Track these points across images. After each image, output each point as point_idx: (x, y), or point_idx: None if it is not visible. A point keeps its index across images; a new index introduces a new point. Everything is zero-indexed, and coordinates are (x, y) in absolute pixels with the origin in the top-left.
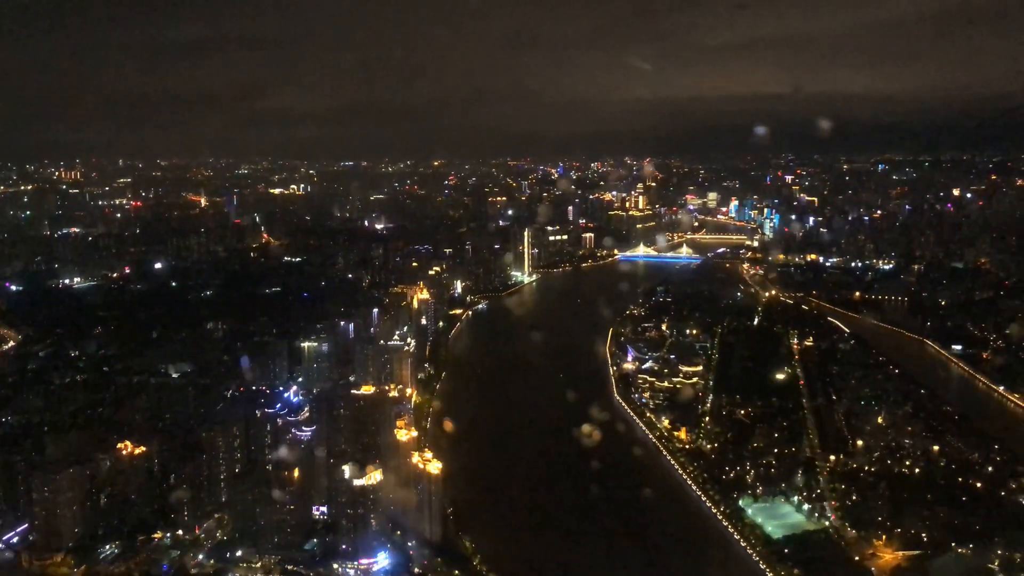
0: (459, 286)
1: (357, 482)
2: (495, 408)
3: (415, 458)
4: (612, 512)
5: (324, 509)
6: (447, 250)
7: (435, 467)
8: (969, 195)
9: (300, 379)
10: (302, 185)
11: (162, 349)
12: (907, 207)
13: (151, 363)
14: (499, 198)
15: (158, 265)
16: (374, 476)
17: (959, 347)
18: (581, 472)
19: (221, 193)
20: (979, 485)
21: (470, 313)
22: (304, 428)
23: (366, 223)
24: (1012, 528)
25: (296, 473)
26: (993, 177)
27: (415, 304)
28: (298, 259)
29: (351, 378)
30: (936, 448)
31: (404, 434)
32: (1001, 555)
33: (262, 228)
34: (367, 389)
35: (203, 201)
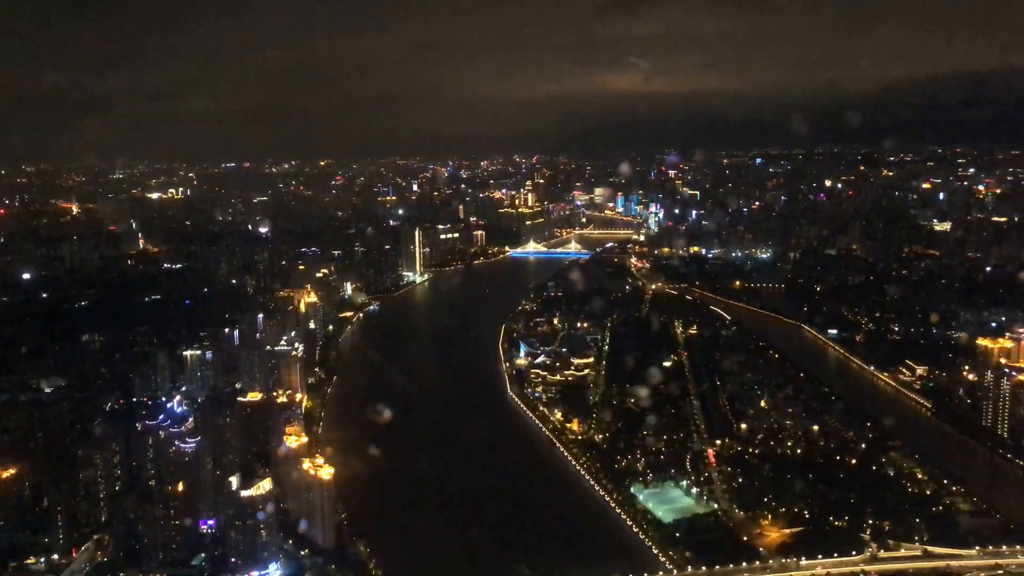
0: (349, 288)
1: (245, 492)
2: (388, 410)
3: (306, 464)
4: (507, 506)
5: (212, 522)
6: (335, 252)
7: (327, 473)
8: (840, 185)
9: (184, 389)
10: (181, 188)
11: (33, 364)
12: (783, 198)
13: (21, 379)
14: (389, 198)
15: (26, 276)
16: (263, 485)
17: (834, 331)
18: (476, 469)
19: (94, 199)
20: (854, 461)
21: (361, 315)
22: (189, 439)
23: (250, 226)
24: (884, 499)
25: (181, 487)
26: (861, 168)
27: (303, 308)
28: (179, 265)
29: (237, 385)
30: (815, 428)
31: (294, 440)
32: (872, 524)
33: (139, 234)
34: (254, 396)
35: (75, 208)
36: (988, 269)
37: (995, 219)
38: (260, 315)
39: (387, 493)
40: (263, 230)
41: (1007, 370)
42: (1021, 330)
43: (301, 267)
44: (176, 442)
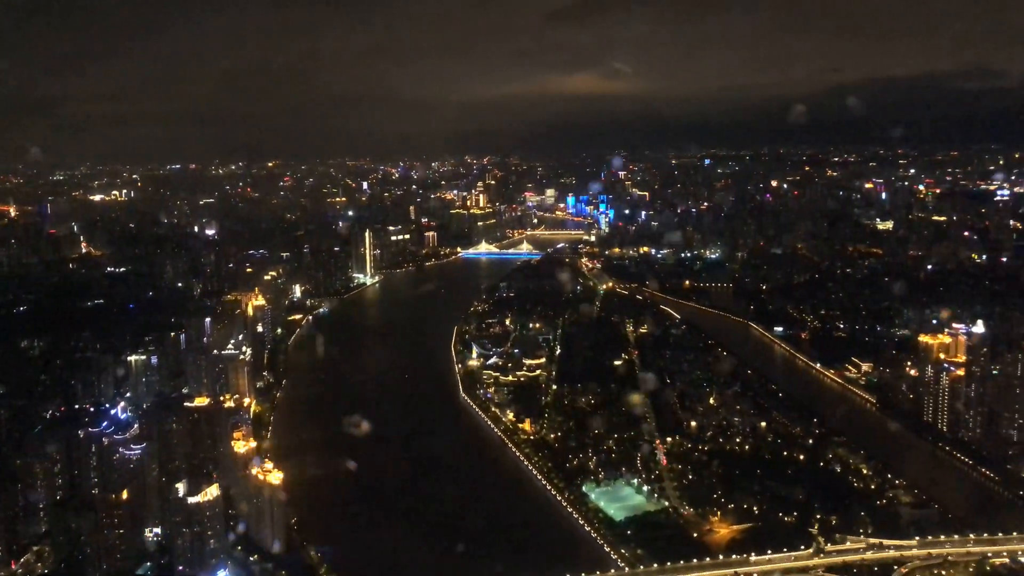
0: (298, 290)
1: (192, 499)
2: (339, 414)
3: (255, 469)
4: (459, 507)
5: (158, 530)
6: (284, 254)
7: (276, 477)
8: (785, 186)
9: (128, 395)
10: (125, 191)
11: None
12: (730, 199)
13: None
14: (338, 199)
15: None
16: (211, 492)
17: (780, 328)
18: (427, 471)
19: (33, 201)
20: (802, 457)
21: (310, 318)
22: (133, 446)
23: (196, 228)
24: (830, 494)
25: (125, 494)
26: (806, 168)
27: (251, 311)
28: (122, 269)
29: (184, 391)
30: (763, 424)
31: (242, 445)
32: (820, 519)
33: (81, 237)
34: (201, 401)
35: (12, 211)
36: (929, 267)
37: (935, 218)
38: (207, 319)
39: (337, 497)
40: (210, 232)
41: (946, 365)
42: (959, 326)
43: (249, 270)
44: (120, 449)
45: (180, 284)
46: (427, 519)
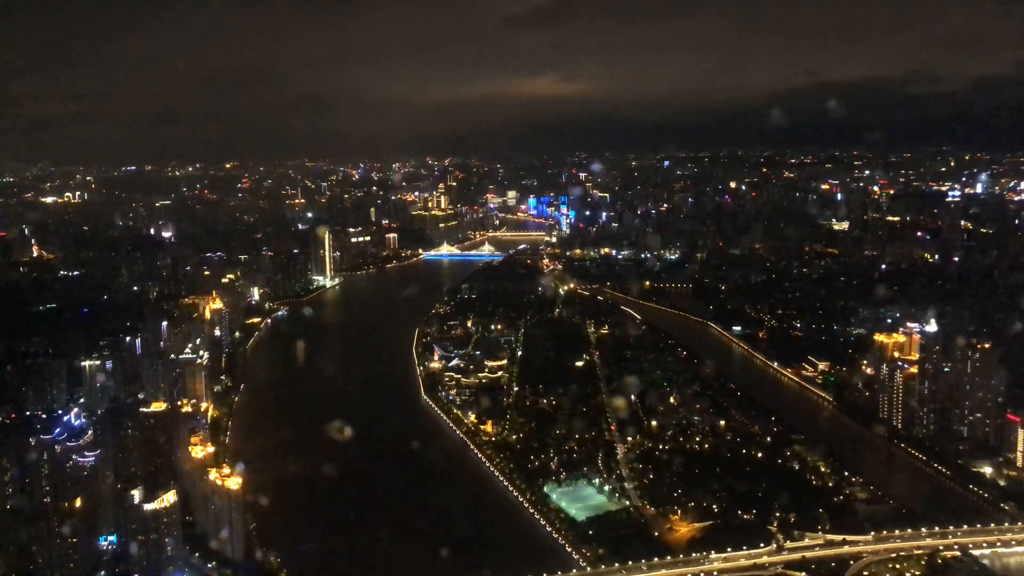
0: (256, 293)
1: (148, 506)
2: (298, 417)
3: (213, 475)
4: (420, 510)
5: (112, 538)
6: (242, 256)
7: (235, 482)
8: (743, 187)
9: (82, 401)
10: (79, 193)
11: None
12: (690, 200)
13: None
14: (297, 200)
15: None
16: (167, 498)
17: (739, 328)
18: (388, 473)
19: None
20: (760, 455)
21: (269, 321)
22: (87, 453)
23: (152, 231)
24: (789, 491)
25: (79, 502)
26: (764, 170)
27: (208, 314)
28: (76, 272)
29: (140, 396)
30: (722, 423)
31: (200, 451)
32: (779, 517)
33: (32, 240)
34: (158, 406)
35: None
36: (883, 267)
37: (889, 219)
38: (163, 323)
39: (296, 501)
40: (166, 235)
41: (900, 363)
42: (913, 325)
43: (206, 272)
44: (74, 456)
45: (136, 287)
46: (387, 522)
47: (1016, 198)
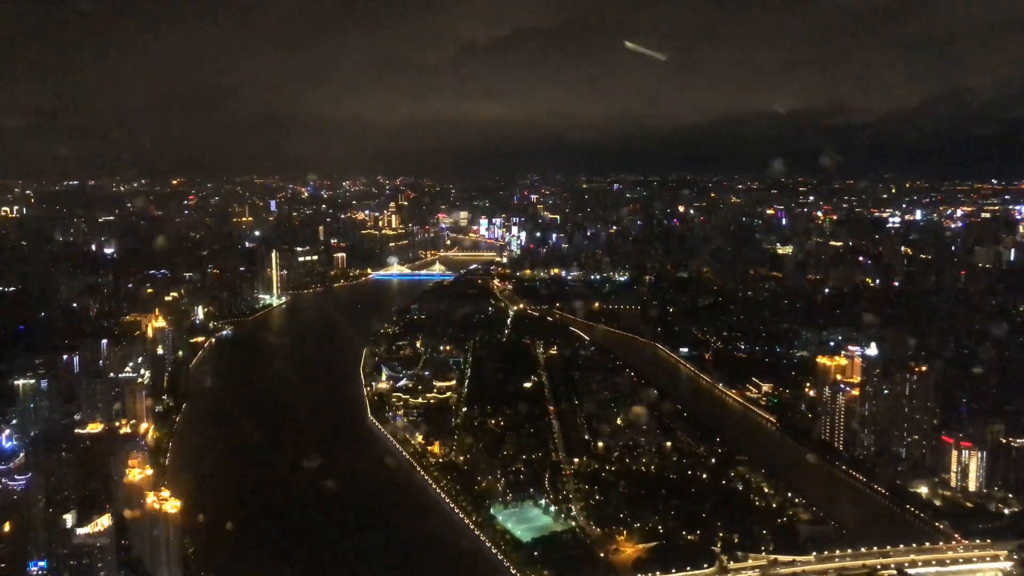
0: (201, 311)
1: (81, 530)
2: (242, 439)
3: (151, 498)
4: (365, 533)
5: (43, 563)
6: (187, 274)
7: (173, 506)
8: (692, 211)
9: (14, 422)
10: (16, 207)
11: None
12: (639, 223)
13: None
14: (245, 218)
15: None
16: (102, 522)
17: (685, 350)
18: (332, 496)
19: None
20: (705, 476)
21: (213, 340)
22: (18, 476)
23: (94, 247)
24: (733, 512)
25: (8, 527)
26: (712, 195)
27: (150, 333)
28: (12, 288)
29: (76, 416)
30: (668, 444)
31: (138, 473)
32: (723, 538)
33: None
34: (94, 427)
35: None
36: (826, 291)
37: (832, 243)
38: (103, 341)
39: (237, 525)
40: (109, 251)
41: (842, 386)
42: (854, 348)
43: (150, 290)
44: (3, 480)
45: (75, 304)
46: (330, 545)
47: (953, 225)
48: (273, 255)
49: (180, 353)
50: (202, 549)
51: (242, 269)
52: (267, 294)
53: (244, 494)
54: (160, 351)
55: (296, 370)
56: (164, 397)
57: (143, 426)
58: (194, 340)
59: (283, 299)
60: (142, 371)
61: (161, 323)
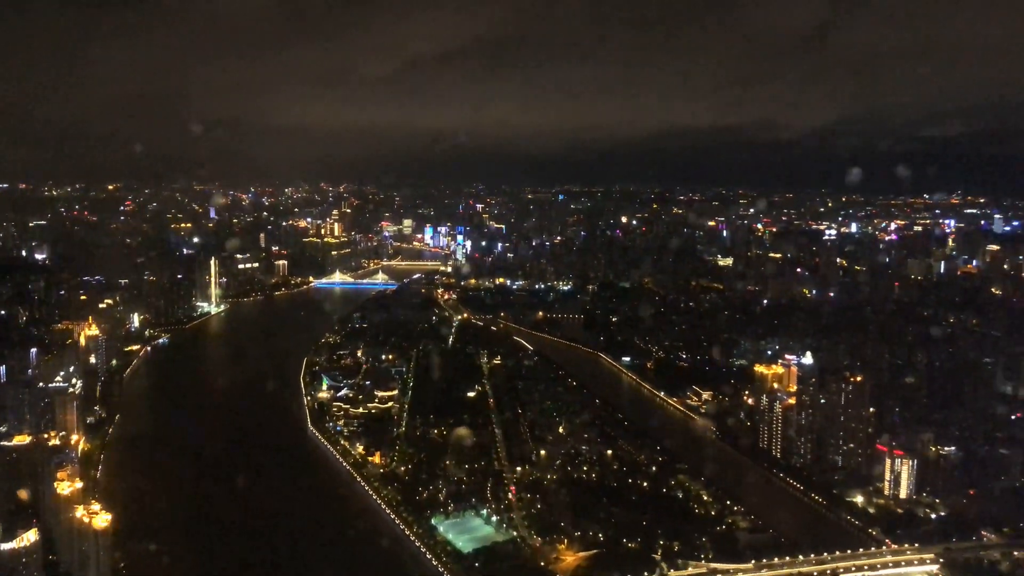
0: (136, 319)
1: (6, 545)
2: (177, 450)
3: (80, 512)
4: (302, 545)
5: None
6: (122, 281)
7: (103, 520)
8: (634, 222)
9: None
10: None
11: None
12: (583, 233)
13: None
14: (184, 224)
15: None
16: (28, 536)
17: (627, 359)
18: (269, 508)
19: None
20: (646, 484)
21: (149, 348)
22: None
23: (24, 252)
24: (673, 520)
25: None
26: (654, 206)
27: (83, 341)
28: None
29: (2, 428)
30: (610, 452)
31: (67, 486)
32: (663, 546)
33: None
34: (21, 439)
35: None
36: (765, 301)
37: (771, 255)
38: (33, 349)
39: (170, 539)
40: (40, 257)
41: (779, 394)
42: (791, 357)
43: (83, 297)
44: None
45: (3, 311)
46: (266, 559)
47: (887, 238)
48: (212, 262)
49: (114, 362)
50: (133, 563)
51: (180, 276)
52: (205, 302)
53: (177, 507)
54: (93, 360)
55: (234, 379)
56: (96, 408)
57: (73, 438)
58: (129, 349)
59: (222, 307)
60: (73, 381)
61: (94, 331)
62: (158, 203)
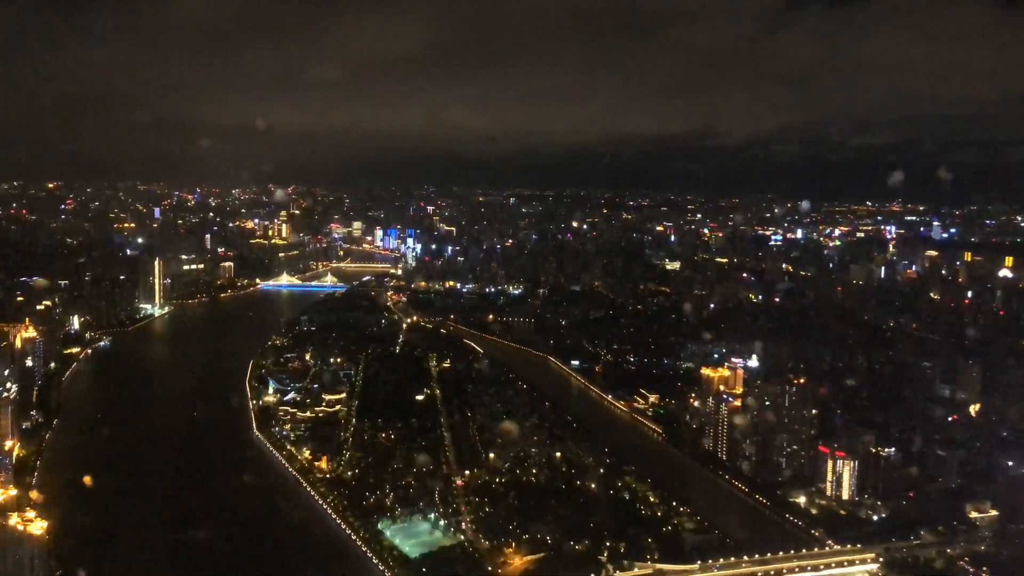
0: (76, 321)
1: None
2: (117, 456)
3: (14, 519)
4: (244, 552)
5: None
6: (62, 282)
7: (39, 527)
8: (585, 227)
9: None
10: None
11: None
12: (533, 237)
13: None
14: (127, 224)
15: None
16: None
17: (577, 362)
18: (210, 515)
19: None
20: (593, 486)
21: (90, 351)
22: None
23: None
24: (620, 522)
25: None
26: (604, 211)
27: (19, 343)
28: None
29: None
30: (558, 455)
31: (0, 493)
32: (610, 547)
33: None
34: None
35: None
36: (711, 305)
37: (718, 260)
38: None
39: (109, 547)
40: None
41: (726, 397)
42: (737, 360)
43: (20, 298)
44: None
45: None
46: (208, 567)
47: (831, 244)
48: (156, 263)
49: (52, 365)
50: (70, 571)
51: (122, 277)
52: (149, 304)
53: (116, 514)
54: (29, 363)
55: (178, 383)
56: (33, 412)
57: (8, 443)
58: (68, 351)
59: (166, 309)
60: (8, 384)
61: (31, 333)
62: (100, 202)
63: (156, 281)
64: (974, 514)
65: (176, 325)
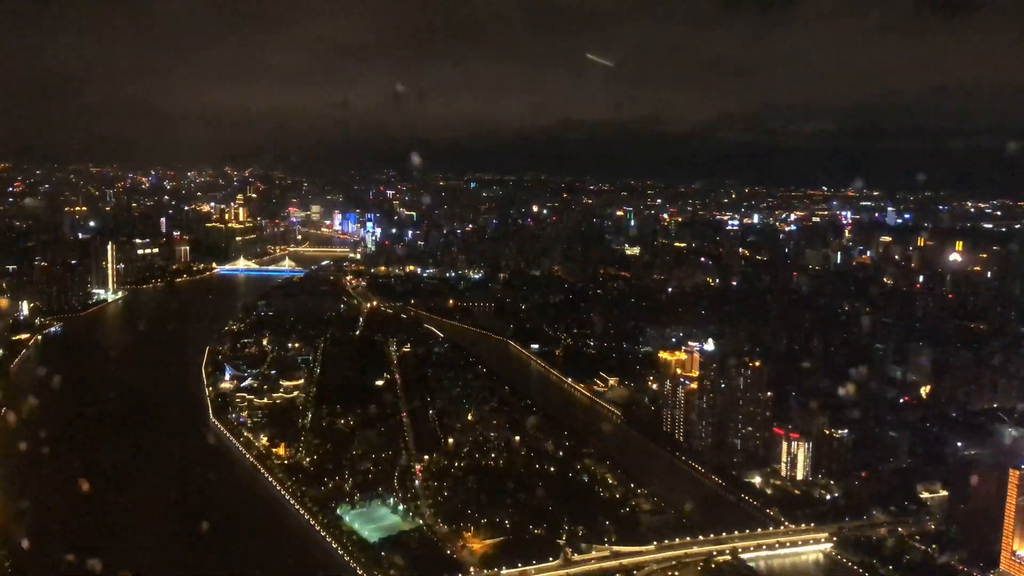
0: (26, 307)
1: None
2: (68, 445)
3: None
4: (204, 540)
5: None
6: (10, 267)
7: None
8: (545, 211)
9: None
10: None
11: None
12: (494, 221)
13: None
14: (78, 207)
15: None
16: None
17: (536, 346)
18: (168, 503)
19: None
20: (552, 469)
21: (39, 337)
22: None
23: None
24: (578, 505)
25: None
26: (565, 196)
27: None
28: None
29: None
30: (517, 439)
31: None
32: (568, 530)
33: None
34: None
35: None
36: (670, 289)
37: (677, 245)
38: None
39: (61, 539)
40: None
41: (682, 380)
42: (694, 344)
43: None
44: None
45: None
46: (165, 558)
47: (787, 228)
48: (109, 247)
49: (1, 352)
50: (18, 565)
51: (74, 262)
52: (102, 288)
53: (67, 504)
54: None
55: (132, 369)
56: None
57: None
58: (17, 338)
59: (120, 294)
60: None
61: None
62: (51, 185)
63: (109, 265)
64: (925, 494)
65: (130, 310)
